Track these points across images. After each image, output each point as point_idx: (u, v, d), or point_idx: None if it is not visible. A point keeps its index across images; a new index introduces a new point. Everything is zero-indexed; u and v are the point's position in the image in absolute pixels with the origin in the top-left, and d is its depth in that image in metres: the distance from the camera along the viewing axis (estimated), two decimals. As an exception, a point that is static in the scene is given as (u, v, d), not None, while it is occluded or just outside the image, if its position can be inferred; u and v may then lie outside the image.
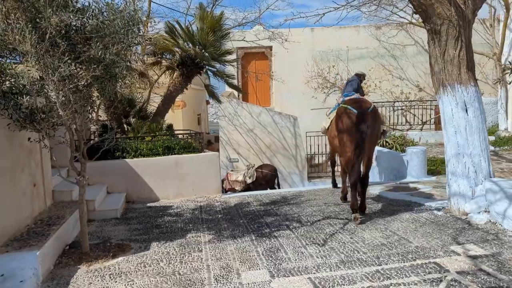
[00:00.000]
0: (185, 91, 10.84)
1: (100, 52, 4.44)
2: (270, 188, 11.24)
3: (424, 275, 3.85)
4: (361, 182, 6.03)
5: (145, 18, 8.16)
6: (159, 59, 10.62)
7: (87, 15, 4.61)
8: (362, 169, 5.98)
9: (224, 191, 10.39)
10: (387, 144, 11.39)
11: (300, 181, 14.02)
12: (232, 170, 12.16)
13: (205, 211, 6.88)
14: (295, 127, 14.13)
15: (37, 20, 4.10)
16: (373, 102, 6.44)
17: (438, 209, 5.87)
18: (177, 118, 14.39)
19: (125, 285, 4.03)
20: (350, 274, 3.98)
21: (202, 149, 8.55)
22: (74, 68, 4.43)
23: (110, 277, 4.23)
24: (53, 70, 4.19)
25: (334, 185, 8.45)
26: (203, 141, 8.84)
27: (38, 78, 4.32)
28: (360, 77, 7.57)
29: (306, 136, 14.77)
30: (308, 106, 16.43)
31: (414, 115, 14.89)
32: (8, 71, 4.27)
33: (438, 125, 15.57)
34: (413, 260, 4.20)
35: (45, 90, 4.28)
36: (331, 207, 6.61)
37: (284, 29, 15.16)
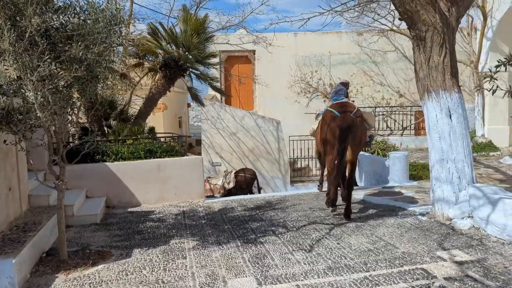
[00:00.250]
0: (167, 93, 10.67)
1: (81, 52, 4.29)
2: (250, 192, 11.15)
3: (412, 281, 3.83)
4: (346, 185, 6.19)
5: (127, 18, 8.02)
6: (141, 61, 10.43)
7: (69, 13, 4.47)
8: (345, 171, 6.16)
9: None
10: (369, 149, 11.45)
11: (283, 185, 14.00)
12: (209, 177, 12.02)
13: (189, 216, 6.75)
14: (278, 131, 14.12)
15: (17, 18, 3.93)
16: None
17: (422, 214, 5.89)
18: (158, 121, 14.19)
19: (106, 294, 3.89)
20: (339, 281, 3.92)
21: (185, 152, 8.41)
22: (54, 68, 4.27)
23: (90, 286, 4.07)
24: (31, 70, 4.02)
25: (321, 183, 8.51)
26: (186, 144, 8.68)
27: (16, 77, 4.14)
28: (346, 85, 7.65)
29: (289, 140, 14.78)
30: (291, 110, 16.47)
31: (395, 121, 15.06)
32: (-17, 70, 4.08)
33: (418, 130, 15.82)
34: (401, 266, 4.18)
35: (22, 90, 4.11)
36: (316, 212, 6.57)
37: (267, 34, 15.18)
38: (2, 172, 5.06)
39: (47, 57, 4.07)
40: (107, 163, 7.71)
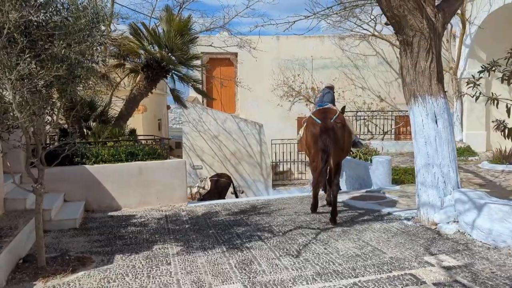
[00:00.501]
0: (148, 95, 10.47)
1: (63, 51, 4.13)
2: (224, 197, 10.98)
3: (402, 287, 3.79)
4: (331, 189, 6.31)
5: (109, 17, 7.83)
6: (122, 61, 10.21)
7: (50, 10, 4.30)
8: (329, 175, 6.34)
9: None
10: (351, 153, 11.50)
11: (264, 188, 13.93)
12: (190, 186, 11.83)
13: (172, 220, 6.59)
14: (261, 134, 14.06)
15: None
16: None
17: (408, 219, 5.91)
18: (137, 123, 13.91)
19: (87, 303, 3.72)
20: (328, 287, 3.86)
21: (167, 155, 8.24)
22: (34, 66, 4.09)
23: (71, 294, 3.90)
24: (10, 68, 3.84)
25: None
26: (168, 147, 8.52)
27: (-7, 76, 3.95)
28: (332, 89, 7.64)
29: (271, 144, 14.74)
30: (274, 113, 16.46)
31: (376, 125, 15.20)
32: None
33: (397, 135, 16.00)
34: (389, 272, 4.15)
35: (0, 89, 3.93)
36: (302, 217, 6.51)
37: (251, 36, 15.13)
38: (-24, 175, 4.83)
39: (27, 55, 3.90)
40: (86, 166, 7.49)
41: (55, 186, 7.09)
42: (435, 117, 5.37)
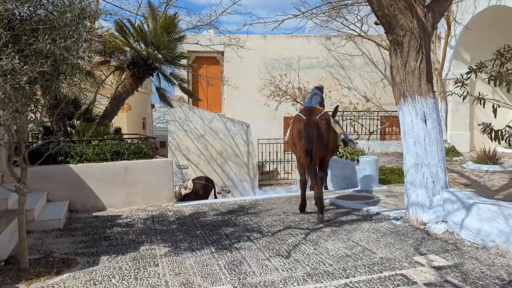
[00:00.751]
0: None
1: (48, 46, 4.00)
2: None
3: (393, 287, 3.78)
4: (315, 183, 6.37)
5: (95, 12, 7.66)
6: (107, 58, 10.02)
7: (34, 3, 4.16)
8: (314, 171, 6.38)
9: None
10: (338, 153, 11.52)
11: (251, 188, 13.88)
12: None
13: (158, 221, 6.48)
14: (248, 134, 14.01)
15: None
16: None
17: (397, 219, 5.91)
18: (121, 122, 13.70)
19: (73, 306, 3.61)
20: (319, 288, 3.82)
21: (153, 154, 8.11)
22: (18, 62, 3.95)
23: (55, 297, 3.78)
24: (-9, 64, 3.70)
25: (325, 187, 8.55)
26: (155, 146, 8.39)
27: (-26, 72, 3.80)
28: (321, 90, 7.70)
29: (258, 144, 14.69)
30: (260, 113, 16.40)
31: (362, 125, 15.27)
32: None
33: (383, 135, 16.12)
34: (380, 272, 4.13)
35: (-19, 85, 3.78)
36: (290, 217, 6.47)
37: (238, 35, 15.06)
38: (-45, 174, 4.66)
39: (10, 50, 3.76)
40: (70, 165, 7.32)
41: (38, 185, 6.91)
42: (425, 117, 5.38)
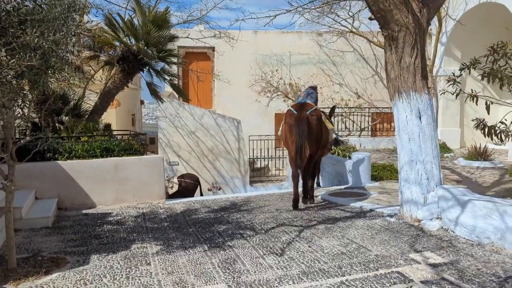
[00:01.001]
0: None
1: (36, 39, 3.87)
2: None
3: (390, 285, 3.73)
4: (303, 176, 6.75)
5: (85, 7, 7.48)
6: (97, 53, 9.84)
7: (22, -5, 4.03)
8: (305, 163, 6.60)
9: None
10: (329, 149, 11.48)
11: (242, 185, 13.80)
12: None
13: (149, 218, 6.38)
14: (239, 130, 13.91)
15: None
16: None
17: (391, 216, 5.89)
18: (110, 118, 13.49)
19: (63, 307, 3.50)
20: (315, 287, 3.76)
21: (144, 151, 7.99)
22: (5, 55, 3.82)
23: (44, 298, 3.67)
24: (-23, 57, 3.57)
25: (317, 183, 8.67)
26: (146, 142, 8.26)
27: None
28: (315, 89, 7.80)
29: (249, 140, 14.60)
30: (251, 109, 16.29)
31: (353, 122, 15.26)
32: None
33: (374, 132, 16.14)
34: (376, 270, 4.09)
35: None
36: (283, 214, 6.41)
37: (229, 30, 14.94)
38: None
39: (-4, 43, 3.63)
40: (59, 162, 7.17)
41: (26, 182, 6.77)
42: (419, 113, 5.35)
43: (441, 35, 13.80)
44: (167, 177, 11.83)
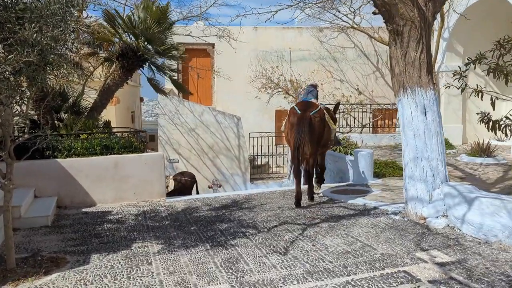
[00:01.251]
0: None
1: (35, 35, 3.78)
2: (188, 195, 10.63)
3: (397, 285, 3.65)
4: (305, 176, 6.78)
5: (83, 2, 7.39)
6: (96, 50, 9.72)
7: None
8: (305, 163, 6.72)
9: None
10: (331, 146, 11.39)
11: (242, 182, 13.72)
12: None
13: (150, 217, 6.29)
14: (239, 127, 13.82)
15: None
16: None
17: (395, 213, 5.80)
18: (110, 115, 13.38)
19: (63, 309, 3.43)
20: (320, 287, 3.68)
21: (144, 148, 7.89)
22: (2, 51, 3.73)
23: (44, 300, 3.59)
24: (-26, 53, 3.48)
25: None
26: (146, 140, 8.16)
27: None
28: (315, 87, 7.77)
29: (249, 137, 14.51)
30: (251, 106, 16.18)
31: (354, 118, 15.17)
32: None
33: (375, 128, 16.05)
34: (382, 269, 4.01)
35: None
36: (286, 212, 6.32)
37: (229, 27, 14.80)
38: None
39: (-7, 38, 3.54)
40: (58, 160, 7.08)
41: (25, 181, 6.68)
42: (424, 109, 5.26)
43: (443, 30, 13.68)
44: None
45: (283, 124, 7.21)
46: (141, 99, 24.04)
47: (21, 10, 3.88)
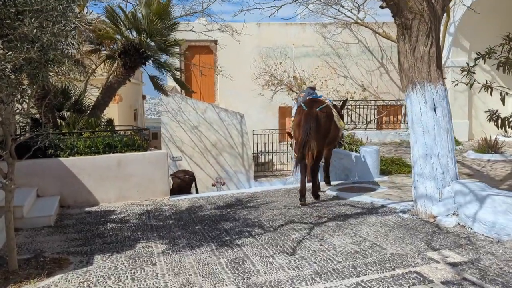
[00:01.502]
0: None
1: (35, 31, 3.68)
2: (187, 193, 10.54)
3: (409, 287, 3.55)
4: (310, 171, 6.73)
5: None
6: (98, 47, 9.62)
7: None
8: (309, 159, 6.65)
9: None
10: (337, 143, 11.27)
11: (246, 180, 13.62)
12: None
13: (154, 216, 6.20)
14: (242, 124, 13.70)
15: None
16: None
17: (404, 212, 5.69)
18: (112, 113, 13.30)
19: (66, 312, 3.34)
20: (329, 288, 3.58)
21: (147, 147, 7.80)
22: (1, 47, 3.63)
23: (46, 303, 3.50)
24: (-28, 49, 3.39)
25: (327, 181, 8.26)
26: (149, 138, 8.06)
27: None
28: (314, 89, 7.81)
29: (253, 134, 14.39)
30: (255, 103, 16.04)
31: (359, 115, 15.02)
32: None
33: (380, 125, 15.90)
34: (393, 270, 3.90)
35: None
36: (292, 210, 6.22)
37: (231, 23, 14.67)
38: None
39: (-8, 34, 3.45)
40: (60, 159, 7.00)
41: (27, 180, 6.61)
42: (434, 105, 5.13)
43: (448, 25, 13.50)
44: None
45: (292, 119, 7.19)
46: (144, 97, 23.94)
47: (21, 5, 3.77)
